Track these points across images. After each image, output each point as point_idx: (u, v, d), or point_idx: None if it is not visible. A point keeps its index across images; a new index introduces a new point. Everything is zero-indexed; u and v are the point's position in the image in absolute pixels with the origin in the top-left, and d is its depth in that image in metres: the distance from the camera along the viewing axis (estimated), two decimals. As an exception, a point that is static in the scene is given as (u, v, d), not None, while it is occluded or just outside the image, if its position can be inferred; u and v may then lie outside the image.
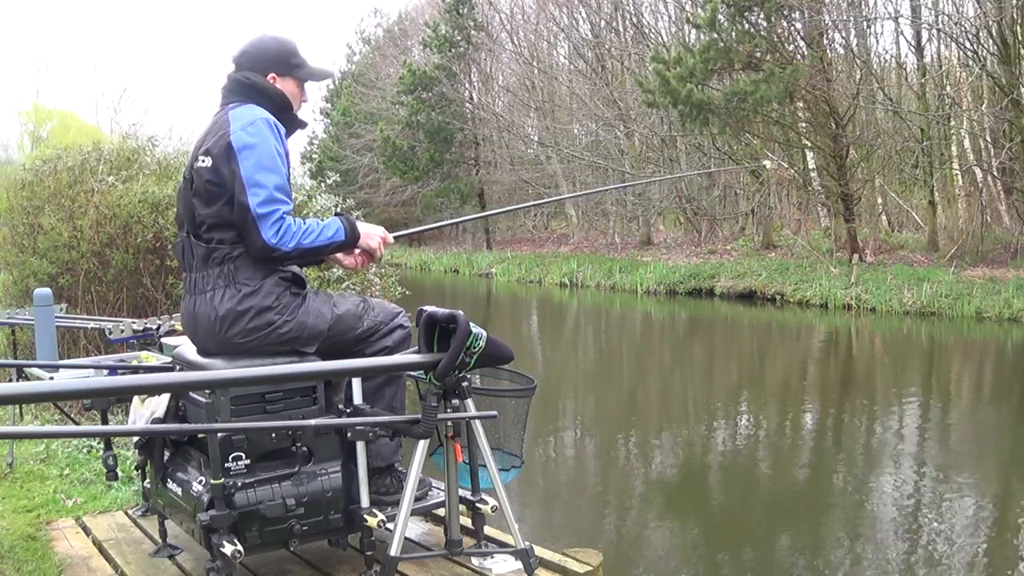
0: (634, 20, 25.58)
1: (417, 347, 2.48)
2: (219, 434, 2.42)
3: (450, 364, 2.32)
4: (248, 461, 2.49)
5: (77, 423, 4.39)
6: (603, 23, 26.94)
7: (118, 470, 3.07)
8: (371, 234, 2.73)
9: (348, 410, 2.68)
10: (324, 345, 2.66)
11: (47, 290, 4.39)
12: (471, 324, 2.32)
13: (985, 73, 16.74)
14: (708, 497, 6.21)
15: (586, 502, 6.06)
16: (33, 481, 4.10)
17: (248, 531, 2.46)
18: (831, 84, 16.61)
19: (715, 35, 15.74)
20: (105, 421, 3.06)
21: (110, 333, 3.89)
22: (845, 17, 18.32)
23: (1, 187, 8.38)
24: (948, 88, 18.08)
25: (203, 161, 2.59)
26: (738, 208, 23.61)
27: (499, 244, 31.11)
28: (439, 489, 2.81)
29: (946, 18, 18.17)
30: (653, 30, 25.54)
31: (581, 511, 5.87)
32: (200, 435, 2.62)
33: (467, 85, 31.71)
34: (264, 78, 2.70)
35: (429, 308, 2.40)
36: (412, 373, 2.68)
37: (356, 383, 2.67)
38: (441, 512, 2.84)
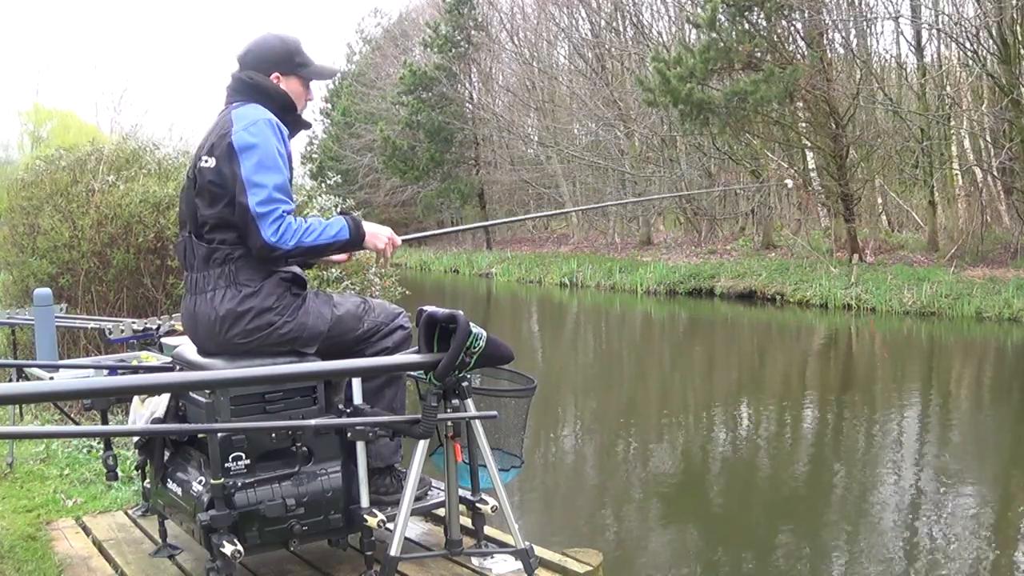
0: (634, 20, 25.59)
1: (417, 347, 2.48)
2: (219, 434, 2.42)
3: (450, 364, 2.32)
4: (248, 461, 2.49)
5: (77, 423, 4.39)
6: (603, 23, 26.95)
7: (118, 470, 3.07)
8: (378, 234, 2.70)
9: (348, 410, 2.68)
10: (324, 345, 2.66)
11: (47, 290, 4.39)
12: (471, 324, 2.32)
13: (985, 73, 16.75)
14: (708, 497, 6.21)
15: (586, 502, 6.06)
16: (33, 481, 4.10)
17: (248, 531, 2.46)
18: (831, 84, 16.61)
19: (715, 35, 15.73)
20: (105, 421, 3.06)
21: (110, 333, 3.89)
22: (845, 17, 18.33)
23: (1, 187, 8.38)
24: (948, 88, 18.08)
25: (206, 161, 2.58)
26: (738, 208, 23.61)
27: (499, 244, 31.12)
28: (439, 489, 2.81)
29: (946, 18, 18.17)
30: (653, 30, 25.54)
31: (581, 511, 5.87)
32: (200, 435, 2.62)
33: (467, 85, 31.72)
34: (268, 77, 2.69)
35: (429, 308, 2.40)
36: (412, 373, 2.68)
37: (356, 383, 2.67)
38: (441, 512, 2.84)
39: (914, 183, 19.64)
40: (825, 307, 15.07)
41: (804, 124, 18.22)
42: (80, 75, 71.35)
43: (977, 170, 18.21)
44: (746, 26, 16.04)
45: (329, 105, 40.33)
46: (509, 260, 25.74)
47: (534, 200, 32.39)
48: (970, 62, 17.29)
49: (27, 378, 3.73)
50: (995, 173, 17.58)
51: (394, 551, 2.42)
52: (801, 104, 17.67)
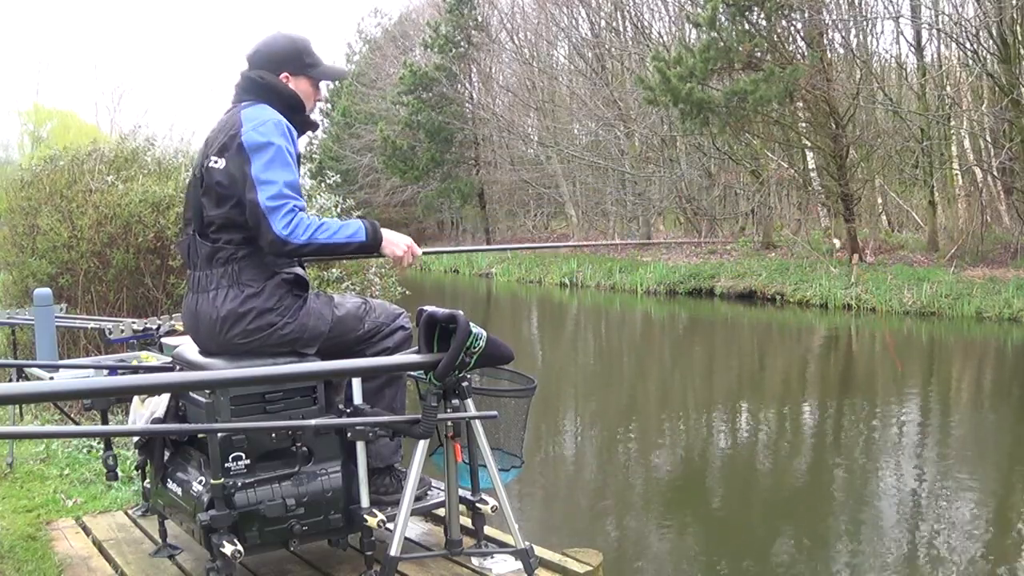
0: (634, 20, 25.59)
1: (417, 347, 2.48)
2: (219, 434, 2.42)
3: (450, 364, 2.32)
4: (248, 461, 2.49)
5: (77, 423, 4.38)
6: (603, 23, 26.95)
7: (118, 470, 3.07)
8: (396, 242, 2.66)
9: (348, 410, 2.68)
10: (325, 346, 2.66)
11: (47, 290, 4.39)
12: (471, 324, 2.32)
13: (985, 73, 16.75)
14: (708, 497, 6.21)
15: (586, 502, 6.06)
16: (33, 481, 4.10)
17: (248, 531, 2.46)
18: (831, 84, 16.61)
19: (715, 34, 15.74)
20: (105, 421, 3.06)
21: (110, 333, 3.89)
22: (845, 17, 18.33)
23: (1, 187, 8.38)
24: (948, 88, 18.08)
25: (215, 162, 2.57)
26: (738, 208, 23.61)
27: (499, 244, 31.09)
28: (439, 489, 2.81)
29: (946, 18, 18.17)
30: (653, 30, 25.55)
31: (581, 511, 5.87)
32: (200, 435, 2.62)
33: (467, 85, 31.71)
34: (277, 77, 2.68)
35: (429, 308, 2.40)
36: (412, 373, 2.68)
37: (356, 383, 2.67)
38: (441, 512, 2.84)
39: (914, 183, 19.64)
40: (825, 307, 15.07)
41: (804, 124, 18.22)
42: (80, 75, 71.42)
43: (977, 170, 18.21)
44: (746, 26, 16.04)
45: (329, 105, 40.28)
46: (509, 260, 25.73)
47: (534, 200, 32.40)
48: (970, 62, 17.29)
49: (27, 378, 3.73)
50: (995, 173, 17.57)
51: (394, 551, 2.42)
52: (801, 104, 17.67)
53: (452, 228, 36.36)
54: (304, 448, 2.57)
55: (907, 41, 19.61)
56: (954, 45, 18.10)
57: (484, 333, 2.35)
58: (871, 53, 19.89)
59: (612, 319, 17.10)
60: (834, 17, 17.90)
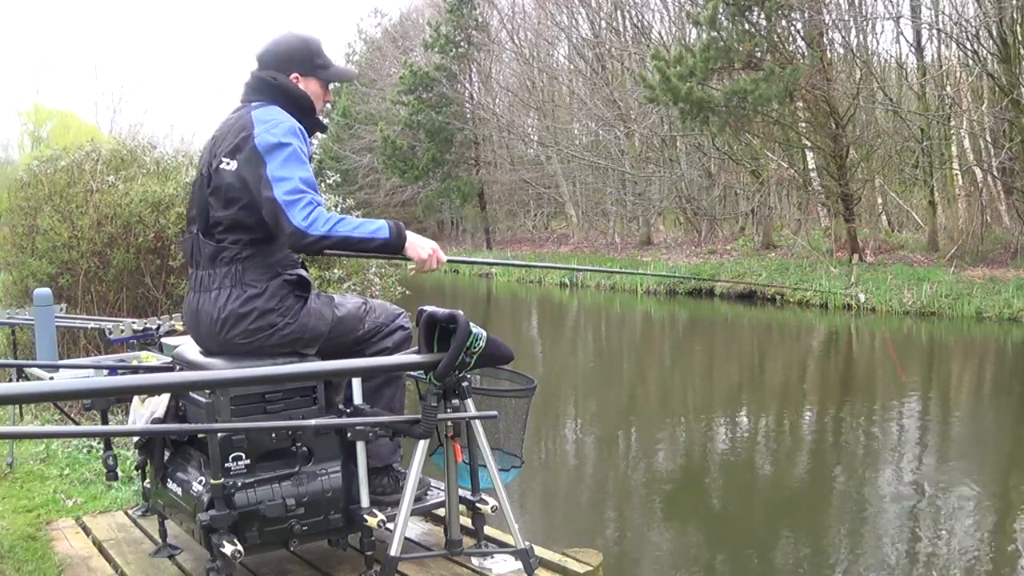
0: (634, 20, 25.60)
1: (417, 347, 2.48)
2: (219, 434, 2.42)
3: (450, 364, 2.32)
4: (248, 461, 2.49)
5: (77, 423, 4.38)
6: (603, 23, 26.95)
7: (118, 470, 3.07)
8: (422, 245, 2.58)
9: (348, 410, 2.67)
10: (325, 346, 2.66)
11: (47, 290, 4.39)
12: (471, 324, 2.32)
13: (985, 73, 16.75)
14: (709, 497, 6.21)
15: (586, 502, 6.06)
16: (33, 481, 4.10)
17: (248, 531, 2.46)
18: (831, 84, 16.62)
19: (715, 34, 15.74)
20: (105, 421, 3.06)
21: (110, 333, 3.89)
22: (845, 17, 18.33)
23: (1, 187, 8.38)
24: (948, 88, 18.08)
25: (226, 163, 2.55)
26: (738, 208, 23.62)
27: (499, 244, 31.12)
28: (439, 489, 2.81)
29: (946, 18, 18.18)
30: (653, 30, 25.55)
31: (581, 511, 5.87)
32: (200, 435, 2.62)
33: (467, 85, 31.72)
34: (287, 77, 2.67)
35: (429, 308, 2.40)
36: (412, 373, 2.68)
37: (356, 383, 2.67)
38: (441, 512, 2.84)
39: (914, 183, 19.65)
40: (825, 307, 15.07)
41: (804, 124, 18.23)
42: (80, 75, 71.44)
43: (977, 170, 18.22)
44: (746, 25, 16.05)
45: (329, 105, 40.29)
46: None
47: (534, 200, 32.42)
48: (970, 62, 17.30)
49: (27, 378, 3.73)
50: (995, 173, 17.58)
51: (394, 551, 2.42)
52: (801, 104, 17.67)
53: (452, 228, 36.39)
54: (304, 448, 2.57)
55: (907, 41, 19.64)
56: (954, 45, 18.11)
57: (484, 333, 2.35)
58: (871, 53, 19.93)
59: (612, 319, 17.10)
60: (834, 17, 17.90)
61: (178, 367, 2.72)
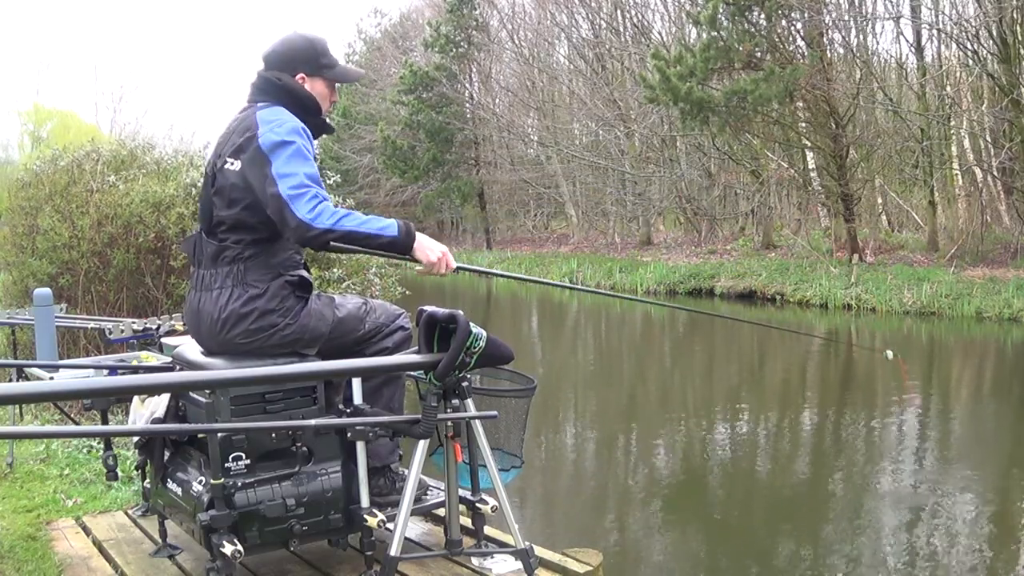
0: (634, 20, 25.59)
1: (417, 347, 2.48)
2: (219, 434, 2.42)
3: (450, 364, 2.32)
4: (248, 461, 2.49)
5: (77, 423, 4.38)
6: (603, 23, 26.95)
7: (118, 470, 3.07)
8: (432, 247, 2.53)
9: (348, 410, 2.67)
10: (325, 346, 2.66)
11: (47, 290, 4.39)
12: (471, 324, 2.32)
13: (985, 73, 16.75)
14: (709, 497, 6.21)
15: (586, 502, 6.06)
16: (33, 481, 4.10)
17: (248, 531, 2.46)
18: (831, 84, 16.62)
19: (715, 34, 15.74)
20: (105, 421, 3.06)
21: (110, 333, 3.89)
22: (845, 17, 18.33)
23: (1, 187, 8.38)
24: (948, 88, 18.08)
25: (230, 163, 2.56)
26: (738, 208, 23.61)
27: (499, 244, 31.11)
28: (439, 489, 2.81)
29: (946, 18, 18.18)
30: (653, 30, 25.55)
31: (581, 511, 5.87)
32: (200, 435, 2.62)
33: (467, 85, 31.72)
34: (293, 78, 2.66)
35: (429, 308, 2.40)
36: (412, 373, 2.68)
37: (356, 383, 2.67)
38: (441, 512, 2.84)
39: (914, 183, 19.65)
40: (825, 307, 15.07)
41: (804, 124, 18.22)
42: (80, 75, 71.44)
43: (977, 170, 18.22)
44: (746, 25, 16.05)
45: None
46: (509, 260, 25.74)
47: (534, 200, 32.41)
48: (970, 62, 17.29)
49: (27, 378, 3.73)
50: (995, 173, 17.58)
51: (394, 551, 2.42)
52: (801, 104, 17.67)
53: (452, 228, 36.38)
54: (304, 448, 2.57)
55: (907, 41, 19.63)
56: (954, 45, 18.11)
57: (484, 333, 2.35)
58: (871, 53, 19.92)
59: (612, 319, 17.09)
60: (834, 17, 17.90)
61: (178, 367, 2.72)
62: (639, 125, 24.53)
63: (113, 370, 3.00)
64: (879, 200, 19.63)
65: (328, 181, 10.04)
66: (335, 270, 6.51)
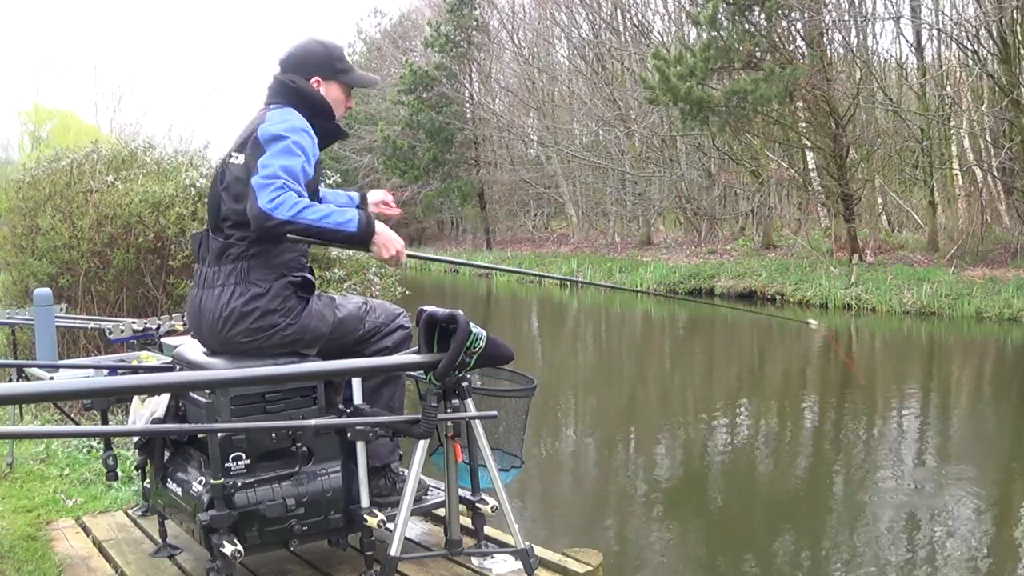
0: (634, 20, 25.59)
1: (417, 347, 2.48)
2: (219, 434, 2.42)
3: (450, 364, 2.32)
4: (248, 461, 2.49)
5: (77, 423, 4.38)
6: (603, 23, 26.95)
7: (118, 470, 3.07)
8: (388, 243, 2.55)
9: (348, 410, 2.67)
10: (325, 346, 2.66)
11: (47, 290, 4.39)
12: (471, 324, 2.32)
13: (985, 73, 16.75)
14: (709, 497, 6.21)
15: (586, 502, 6.06)
16: (33, 481, 4.10)
17: (248, 531, 2.46)
18: (831, 84, 16.62)
19: (715, 33, 15.74)
20: (105, 421, 3.06)
21: (110, 333, 3.89)
22: (845, 17, 18.33)
23: (1, 187, 8.39)
24: (948, 88, 18.08)
25: (235, 158, 2.59)
26: (738, 208, 23.61)
27: (499, 244, 31.11)
28: (439, 489, 2.81)
29: (946, 18, 18.19)
30: (653, 30, 25.55)
31: (581, 511, 5.87)
32: (200, 435, 2.62)
33: (467, 85, 31.72)
34: (307, 82, 2.67)
35: (429, 308, 2.40)
36: (412, 373, 2.68)
37: (356, 383, 2.67)
38: (441, 512, 2.84)
39: (914, 183, 19.65)
40: (825, 307, 15.07)
41: (804, 124, 18.22)
42: (80, 75, 71.43)
43: (977, 170, 18.21)
44: (746, 25, 16.05)
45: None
46: (509, 260, 25.74)
47: (534, 200, 32.40)
48: (970, 62, 17.29)
49: (27, 378, 3.73)
50: (995, 173, 17.58)
51: (394, 551, 2.42)
52: (801, 104, 17.67)
53: (452, 228, 36.38)
54: (304, 448, 2.57)
55: (907, 41, 19.64)
56: (954, 45, 18.12)
57: (484, 333, 2.35)
58: (871, 53, 19.92)
59: (612, 319, 17.09)
60: (834, 17, 17.90)
61: (178, 367, 2.72)
62: (639, 125, 24.53)
63: (113, 370, 3.01)
64: (879, 200, 19.63)
65: (328, 181, 10.04)
66: (336, 270, 6.52)
